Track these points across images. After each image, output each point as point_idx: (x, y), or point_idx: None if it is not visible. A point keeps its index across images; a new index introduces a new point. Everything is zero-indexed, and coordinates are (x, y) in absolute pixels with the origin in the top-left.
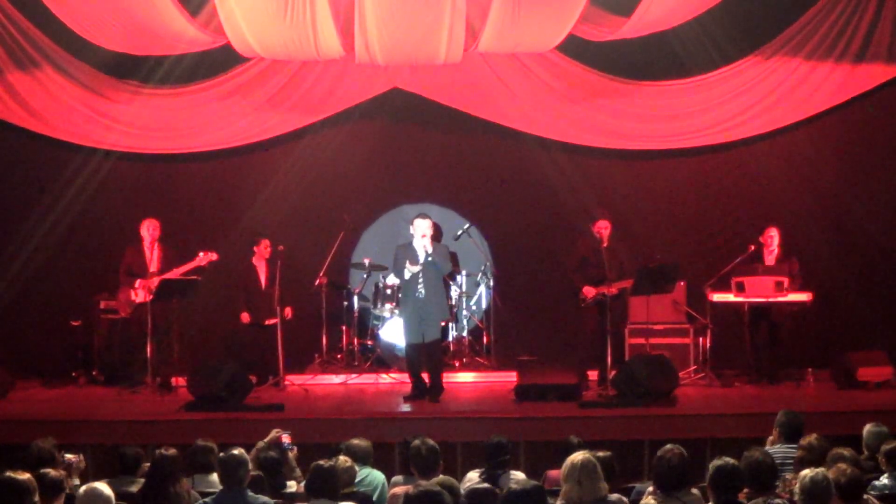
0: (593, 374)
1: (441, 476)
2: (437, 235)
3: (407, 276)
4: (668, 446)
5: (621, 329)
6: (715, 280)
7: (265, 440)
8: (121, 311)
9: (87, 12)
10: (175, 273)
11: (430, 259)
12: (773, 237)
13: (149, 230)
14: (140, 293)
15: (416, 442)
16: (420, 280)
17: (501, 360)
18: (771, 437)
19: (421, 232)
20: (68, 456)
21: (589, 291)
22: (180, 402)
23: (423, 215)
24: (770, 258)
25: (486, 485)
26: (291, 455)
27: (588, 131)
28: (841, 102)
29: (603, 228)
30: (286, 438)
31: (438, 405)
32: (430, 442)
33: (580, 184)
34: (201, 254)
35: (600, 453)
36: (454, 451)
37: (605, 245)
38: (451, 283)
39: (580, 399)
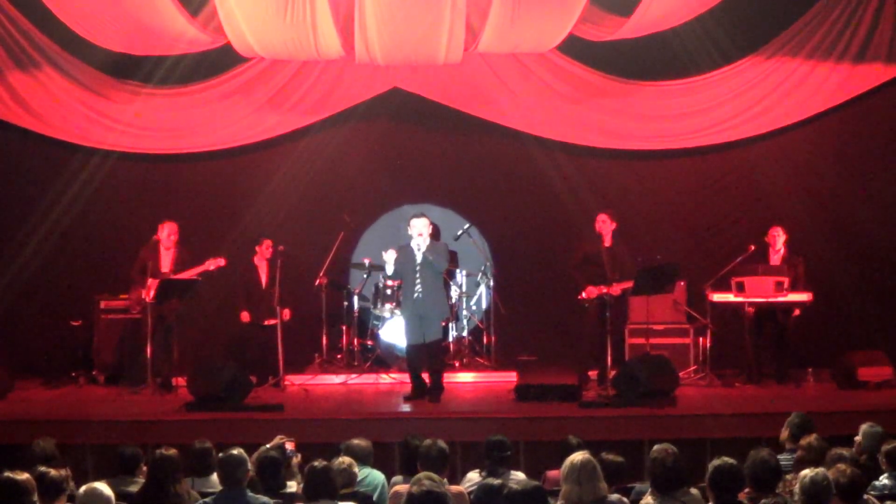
0: (593, 374)
1: (423, 473)
2: (435, 235)
3: (389, 271)
4: (661, 446)
5: (621, 329)
6: (715, 280)
7: (268, 445)
8: (132, 310)
9: (87, 12)
10: (184, 276)
11: (427, 258)
12: (777, 237)
13: (167, 233)
14: (152, 293)
15: (427, 442)
16: (418, 280)
17: (501, 360)
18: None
19: (417, 231)
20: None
21: (591, 292)
22: (180, 402)
23: (419, 214)
24: (775, 258)
25: (497, 480)
26: (295, 461)
27: (588, 131)
28: (841, 102)
29: (602, 222)
30: (290, 445)
31: (438, 405)
32: (441, 444)
33: (580, 184)
34: (210, 260)
35: (610, 457)
36: (454, 451)
37: (607, 245)
38: (450, 282)
39: (580, 399)
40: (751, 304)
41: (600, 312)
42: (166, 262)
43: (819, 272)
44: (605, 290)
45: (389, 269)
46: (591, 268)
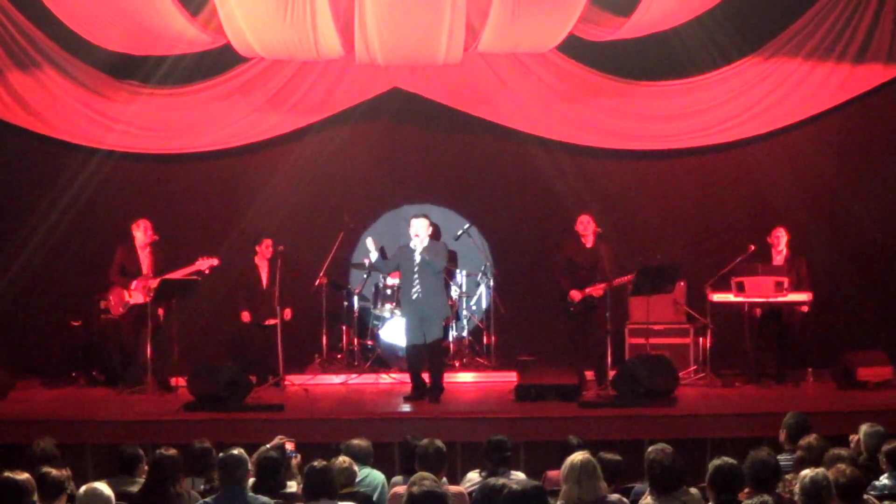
0: (589, 375)
1: (420, 473)
2: (435, 235)
3: (373, 258)
4: (657, 447)
5: (621, 329)
6: (715, 280)
7: (268, 445)
8: (112, 311)
9: (87, 12)
10: (174, 276)
11: (423, 258)
12: (780, 237)
13: (143, 231)
14: (136, 294)
15: (425, 442)
16: (416, 280)
17: (501, 360)
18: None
19: (414, 231)
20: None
21: (575, 295)
22: (180, 402)
23: (419, 214)
24: (778, 258)
25: (501, 480)
26: (294, 462)
27: (588, 131)
28: (841, 102)
29: (586, 223)
30: (290, 446)
31: (438, 405)
32: (438, 443)
33: (580, 184)
34: (200, 259)
35: (609, 456)
36: (454, 451)
37: (589, 246)
38: (450, 281)
39: (580, 399)
40: (756, 305)
41: (586, 315)
42: (145, 262)
43: (819, 272)
44: (588, 292)
45: (373, 257)
46: (577, 271)
